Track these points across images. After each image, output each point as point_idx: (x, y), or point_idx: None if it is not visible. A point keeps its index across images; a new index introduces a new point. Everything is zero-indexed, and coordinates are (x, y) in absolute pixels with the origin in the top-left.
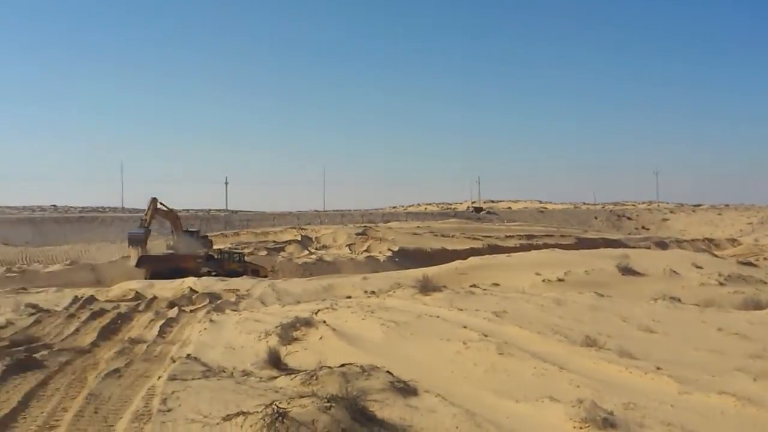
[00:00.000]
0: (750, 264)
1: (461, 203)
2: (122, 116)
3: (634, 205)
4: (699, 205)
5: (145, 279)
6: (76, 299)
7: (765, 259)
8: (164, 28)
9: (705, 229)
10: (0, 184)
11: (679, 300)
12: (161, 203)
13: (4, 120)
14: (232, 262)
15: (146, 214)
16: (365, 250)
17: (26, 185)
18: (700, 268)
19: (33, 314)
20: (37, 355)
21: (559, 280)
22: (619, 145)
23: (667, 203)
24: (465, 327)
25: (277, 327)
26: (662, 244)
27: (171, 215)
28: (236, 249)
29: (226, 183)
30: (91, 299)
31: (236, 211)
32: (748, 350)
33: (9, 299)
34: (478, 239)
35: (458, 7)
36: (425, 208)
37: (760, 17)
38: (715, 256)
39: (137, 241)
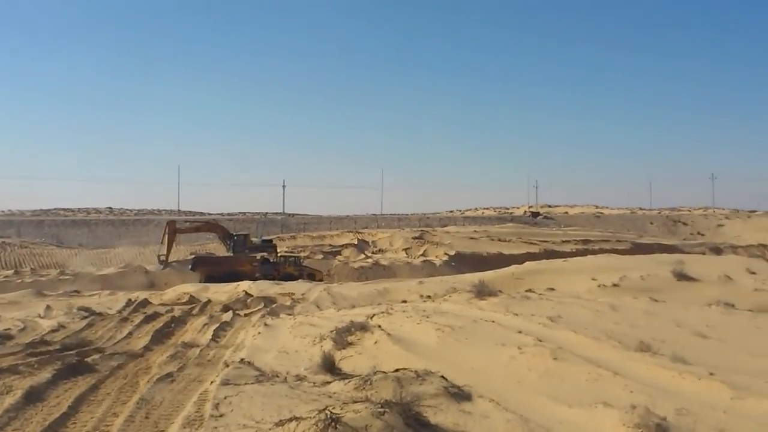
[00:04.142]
0: None
1: (518, 207)
2: (180, 119)
3: (690, 211)
4: (754, 212)
5: (200, 282)
6: (129, 302)
7: None
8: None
9: (760, 236)
10: (56, 186)
11: (734, 305)
12: (188, 220)
13: (61, 121)
14: (288, 265)
15: (162, 242)
16: (422, 255)
17: (82, 187)
18: (754, 273)
19: (85, 317)
20: (88, 359)
21: (615, 285)
22: (675, 149)
23: (723, 209)
24: (520, 332)
25: (332, 331)
26: (717, 250)
27: (206, 227)
28: (292, 252)
29: (284, 186)
30: (145, 302)
31: (293, 215)
32: None
33: (62, 302)
34: (535, 244)
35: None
36: (482, 213)
37: None
38: None
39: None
